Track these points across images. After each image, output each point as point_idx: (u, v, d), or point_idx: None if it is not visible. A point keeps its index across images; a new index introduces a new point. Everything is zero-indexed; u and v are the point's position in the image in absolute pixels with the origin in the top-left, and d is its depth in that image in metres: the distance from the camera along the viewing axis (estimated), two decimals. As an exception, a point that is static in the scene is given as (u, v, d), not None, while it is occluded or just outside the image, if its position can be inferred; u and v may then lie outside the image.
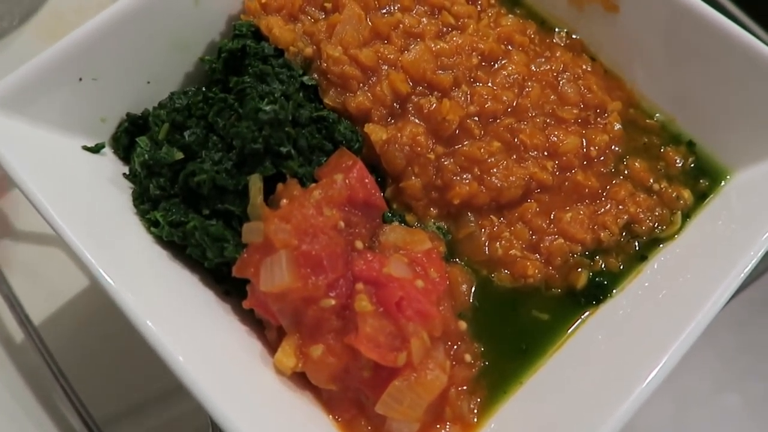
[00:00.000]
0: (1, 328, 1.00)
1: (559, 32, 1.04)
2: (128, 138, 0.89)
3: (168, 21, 0.90)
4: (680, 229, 0.91)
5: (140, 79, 0.90)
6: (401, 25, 0.93)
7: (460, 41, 0.93)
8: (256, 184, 0.78)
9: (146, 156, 0.82)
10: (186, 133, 0.82)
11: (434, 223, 0.89)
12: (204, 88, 0.89)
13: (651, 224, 0.91)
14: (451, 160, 0.88)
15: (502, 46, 0.97)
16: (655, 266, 0.88)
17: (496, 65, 0.95)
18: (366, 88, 0.89)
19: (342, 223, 0.77)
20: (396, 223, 0.85)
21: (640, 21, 0.99)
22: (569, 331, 0.84)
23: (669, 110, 1.00)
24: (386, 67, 0.89)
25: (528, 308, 0.85)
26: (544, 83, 0.96)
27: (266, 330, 0.80)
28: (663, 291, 0.84)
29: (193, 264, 0.82)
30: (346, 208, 0.79)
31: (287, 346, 0.75)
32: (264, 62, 0.87)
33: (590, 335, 0.84)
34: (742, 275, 0.77)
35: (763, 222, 0.81)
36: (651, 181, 0.94)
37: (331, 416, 0.77)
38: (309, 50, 0.90)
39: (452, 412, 0.77)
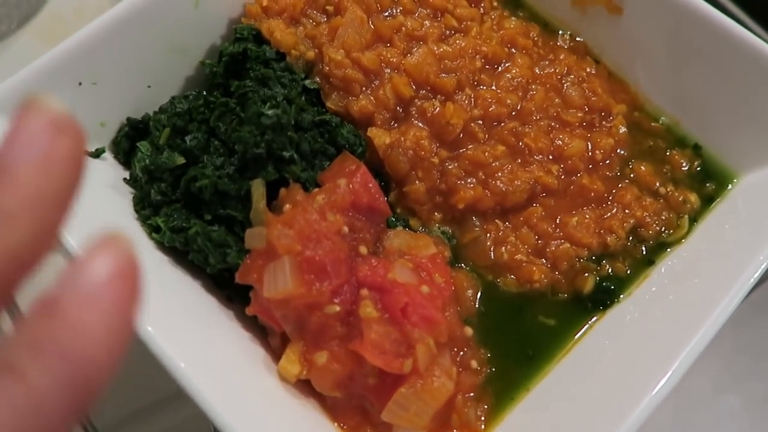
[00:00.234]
0: (-1, 336, 0.99)
1: (562, 35, 1.04)
2: (128, 143, 0.88)
3: (168, 24, 0.89)
4: (687, 233, 0.90)
5: (140, 83, 0.89)
6: (403, 29, 0.92)
7: (463, 44, 0.92)
8: (258, 189, 0.77)
9: (147, 161, 0.81)
10: (187, 138, 0.81)
11: (439, 228, 0.88)
12: (205, 93, 0.88)
13: (658, 228, 0.90)
14: (456, 164, 0.87)
15: (506, 49, 0.96)
16: (663, 270, 0.87)
17: (500, 68, 0.94)
18: (369, 91, 0.88)
19: (346, 228, 0.76)
20: (400, 228, 0.84)
21: (644, 23, 0.98)
22: (576, 336, 0.83)
23: (674, 113, 0.99)
24: (389, 71, 0.88)
25: (534, 313, 0.84)
26: (548, 86, 0.95)
27: (269, 336, 0.78)
28: (671, 296, 0.83)
29: (195, 270, 0.81)
30: (350, 213, 0.78)
31: (291, 353, 0.74)
32: (265, 66, 0.86)
33: (597, 341, 0.83)
34: (752, 280, 0.76)
35: (771, 225, 0.81)
36: (657, 184, 0.93)
37: (336, 423, 0.76)
38: (311, 54, 0.89)
39: (459, 419, 0.76)
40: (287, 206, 0.76)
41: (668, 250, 0.89)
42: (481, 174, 0.87)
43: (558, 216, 0.89)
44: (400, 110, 0.88)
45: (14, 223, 0.31)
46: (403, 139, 0.86)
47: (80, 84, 0.83)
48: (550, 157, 0.90)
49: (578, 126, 0.93)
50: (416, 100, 0.88)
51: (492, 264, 0.86)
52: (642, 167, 0.94)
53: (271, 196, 0.78)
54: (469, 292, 0.84)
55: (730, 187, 0.93)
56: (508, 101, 0.90)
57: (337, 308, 0.72)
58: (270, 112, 0.76)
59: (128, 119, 0.88)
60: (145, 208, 0.82)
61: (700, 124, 0.97)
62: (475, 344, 0.80)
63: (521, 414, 0.78)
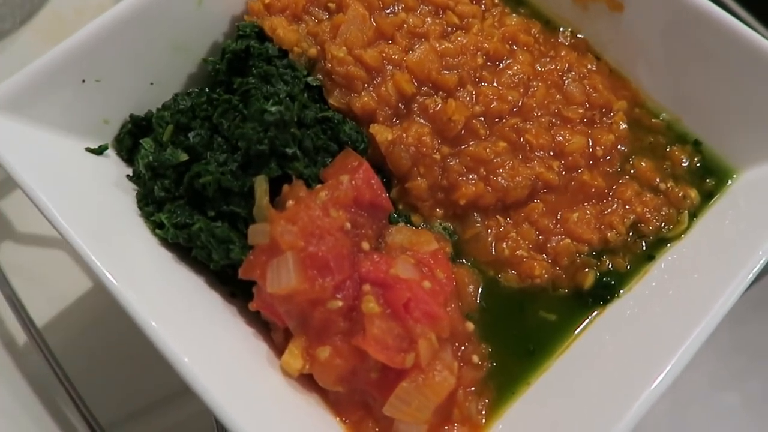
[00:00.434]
0: (4, 332, 1.00)
1: (563, 32, 1.04)
2: (131, 140, 0.88)
3: (170, 22, 0.89)
4: (687, 228, 0.90)
5: (143, 81, 0.90)
6: (405, 25, 0.92)
7: (464, 41, 0.93)
8: (261, 185, 0.77)
9: (151, 157, 0.81)
10: (190, 135, 0.81)
11: (440, 224, 0.88)
12: (207, 90, 0.89)
13: (658, 224, 0.90)
14: (457, 160, 0.88)
15: (507, 46, 0.96)
16: (663, 266, 0.88)
17: (501, 65, 0.95)
18: (371, 88, 0.88)
19: (348, 225, 0.77)
20: (402, 224, 0.85)
21: (645, 20, 0.98)
22: (577, 331, 0.84)
23: (674, 110, 0.99)
24: (391, 68, 0.89)
25: (535, 309, 0.85)
26: (549, 83, 0.95)
27: (272, 332, 0.79)
28: (671, 291, 0.84)
29: (199, 266, 0.81)
30: (353, 209, 0.79)
31: (294, 348, 0.74)
32: (268, 63, 0.87)
33: (598, 336, 0.83)
34: (751, 275, 0.77)
35: (770, 221, 0.81)
36: (657, 180, 0.93)
37: (338, 418, 0.76)
38: (313, 51, 0.89)
39: (460, 413, 0.76)
40: (290, 202, 0.77)
41: (668, 245, 0.90)
42: (482, 170, 0.87)
43: (559, 212, 0.89)
44: (402, 107, 0.88)
45: None
46: (405, 135, 0.86)
47: (84, 81, 0.83)
48: (551, 153, 0.91)
49: (579, 122, 0.94)
50: (418, 97, 0.88)
51: (493, 260, 0.87)
52: (642, 163, 0.95)
53: (274, 193, 0.79)
54: (471, 288, 0.85)
55: (729, 183, 0.93)
56: (510, 98, 0.91)
57: (340, 303, 0.73)
58: (273, 109, 0.77)
59: (131, 116, 0.89)
60: (148, 204, 0.82)
61: (701, 120, 0.97)
62: (476, 339, 0.81)
63: (522, 408, 0.78)
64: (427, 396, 0.72)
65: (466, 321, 0.81)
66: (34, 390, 0.96)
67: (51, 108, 0.82)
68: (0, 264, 0.98)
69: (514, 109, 0.92)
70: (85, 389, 0.92)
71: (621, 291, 0.86)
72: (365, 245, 0.78)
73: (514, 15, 1.02)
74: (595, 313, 0.85)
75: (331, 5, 0.93)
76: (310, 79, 0.88)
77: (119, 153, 0.89)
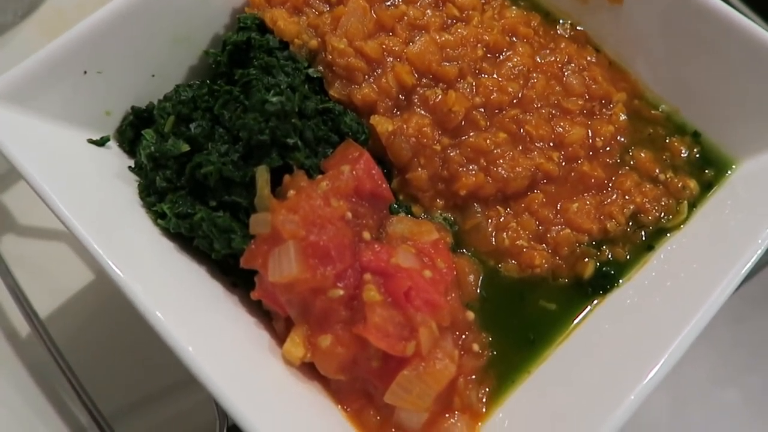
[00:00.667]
0: (7, 323, 1.00)
1: (563, 24, 1.04)
2: (133, 131, 0.89)
3: (172, 14, 0.89)
4: (686, 218, 0.91)
5: (145, 73, 0.90)
6: (406, 18, 0.93)
7: (464, 33, 0.93)
8: (263, 175, 0.77)
9: (152, 148, 0.81)
10: (192, 126, 0.82)
11: (441, 215, 0.89)
12: (209, 82, 0.89)
13: (657, 214, 0.91)
14: (457, 151, 0.88)
15: (507, 38, 0.97)
16: (662, 256, 0.88)
17: (501, 57, 0.95)
18: (371, 80, 0.89)
19: (349, 214, 0.77)
20: (403, 214, 0.85)
21: (644, 12, 0.99)
22: (576, 320, 0.85)
23: (673, 101, 1.00)
24: (391, 59, 0.89)
25: (535, 298, 0.86)
26: (549, 74, 0.96)
27: (274, 321, 0.79)
28: (670, 280, 0.84)
29: (201, 256, 0.82)
30: (353, 199, 0.79)
31: (296, 337, 0.75)
32: (269, 55, 0.87)
33: (597, 325, 0.84)
34: (749, 264, 0.77)
35: (769, 211, 0.82)
36: (657, 171, 0.94)
37: (339, 406, 0.77)
38: (314, 42, 0.90)
39: (461, 401, 0.77)
40: (291, 192, 0.77)
41: (668, 235, 0.90)
42: (482, 161, 0.88)
43: (559, 202, 0.90)
44: (403, 98, 0.89)
45: None
46: (405, 126, 0.87)
47: (85, 73, 0.84)
48: (551, 144, 0.91)
49: (579, 114, 0.94)
50: (418, 89, 0.89)
51: (493, 250, 0.87)
52: (642, 154, 0.95)
53: (276, 183, 0.79)
54: (471, 277, 0.85)
55: (728, 173, 0.94)
56: (510, 89, 0.91)
57: (341, 292, 0.73)
58: (274, 99, 0.77)
59: (133, 108, 0.89)
60: (150, 195, 0.83)
61: (700, 111, 0.98)
62: (476, 328, 0.81)
63: (522, 396, 0.79)
64: (428, 384, 0.72)
65: (467, 310, 0.81)
66: (37, 381, 0.96)
67: (53, 99, 0.82)
68: (3, 256, 0.98)
69: (514, 101, 0.92)
70: (87, 380, 0.92)
71: (620, 280, 0.87)
72: (366, 235, 0.78)
73: (513, 7, 1.02)
74: (594, 302, 0.86)
75: (332, -3, 0.93)
76: (310, 70, 0.89)
77: (121, 144, 0.89)
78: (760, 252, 0.78)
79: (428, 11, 0.94)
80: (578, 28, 1.04)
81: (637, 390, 0.69)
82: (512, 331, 0.83)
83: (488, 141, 0.88)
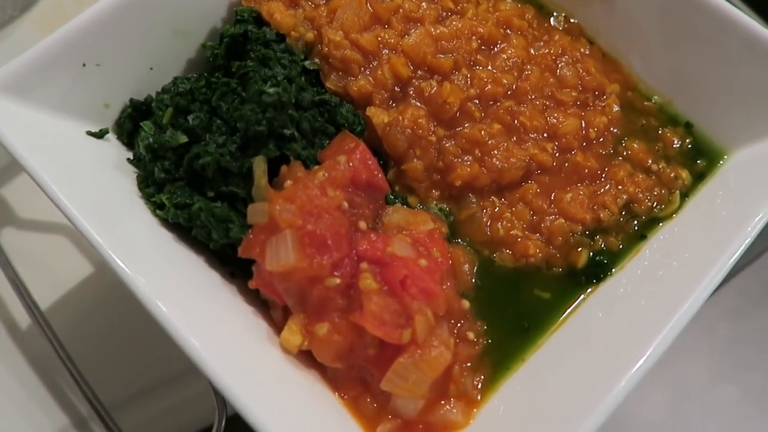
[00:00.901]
0: (8, 315, 1.01)
1: (557, 16, 1.05)
2: (131, 124, 0.90)
3: (170, 7, 0.90)
4: (679, 208, 0.92)
5: (143, 66, 0.91)
6: (401, 10, 0.93)
7: (459, 25, 0.94)
8: (260, 165, 0.78)
9: (151, 140, 0.82)
10: (190, 117, 0.83)
11: (436, 205, 0.90)
12: (206, 74, 0.90)
13: (650, 204, 0.92)
14: (453, 142, 0.89)
15: (501, 30, 0.98)
16: (654, 245, 0.89)
17: (496, 49, 0.96)
18: (367, 72, 0.90)
19: (346, 204, 0.78)
20: (398, 205, 0.86)
21: (637, 4, 1.00)
22: (570, 309, 0.86)
23: (666, 93, 1.01)
24: (387, 52, 0.90)
25: (530, 287, 0.87)
26: (543, 66, 0.97)
27: (271, 310, 0.81)
28: (662, 269, 0.86)
29: (199, 246, 0.83)
30: (350, 189, 0.80)
31: (293, 325, 0.76)
32: (266, 47, 0.88)
33: (591, 313, 0.85)
34: (739, 252, 0.79)
35: (758, 200, 0.83)
36: (649, 161, 0.95)
37: (336, 394, 0.78)
38: (310, 35, 0.91)
39: (456, 388, 0.78)
40: (288, 182, 0.78)
41: (660, 224, 0.91)
42: (477, 152, 0.89)
43: (552, 192, 0.91)
44: (398, 90, 0.90)
45: None
46: (401, 118, 0.88)
47: (84, 65, 0.84)
48: (545, 135, 0.92)
49: (572, 105, 0.95)
50: (414, 80, 0.90)
51: (488, 239, 0.88)
52: (635, 145, 0.96)
53: (273, 174, 0.80)
54: (466, 267, 0.86)
55: (720, 163, 0.95)
56: (504, 81, 0.92)
57: (338, 281, 0.74)
58: (271, 90, 0.78)
59: (131, 101, 0.90)
60: (149, 186, 0.83)
61: (692, 103, 0.99)
62: (472, 317, 0.83)
63: (517, 383, 0.80)
64: (424, 371, 0.74)
65: (462, 299, 0.82)
66: (38, 372, 0.97)
67: (52, 92, 0.83)
68: (3, 249, 0.99)
69: (509, 92, 0.93)
70: (87, 371, 0.93)
71: (614, 270, 0.88)
72: (362, 224, 0.79)
73: (507, 0, 1.03)
74: (588, 291, 0.87)
75: (328, -10, 0.94)
76: (307, 63, 0.90)
77: (119, 137, 0.90)
78: (749, 240, 0.79)
79: (423, 4, 0.95)
80: (572, 20, 1.05)
81: (628, 376, 0.70)
82: (507, 320, 0.84)
83: (483, 132, 0.89)
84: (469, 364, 0.80)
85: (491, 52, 0.96)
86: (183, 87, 0.85)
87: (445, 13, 0.96)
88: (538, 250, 0.87)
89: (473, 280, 0.86)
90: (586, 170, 0.92)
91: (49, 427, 0.94)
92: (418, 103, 0.89)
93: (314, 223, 0.74)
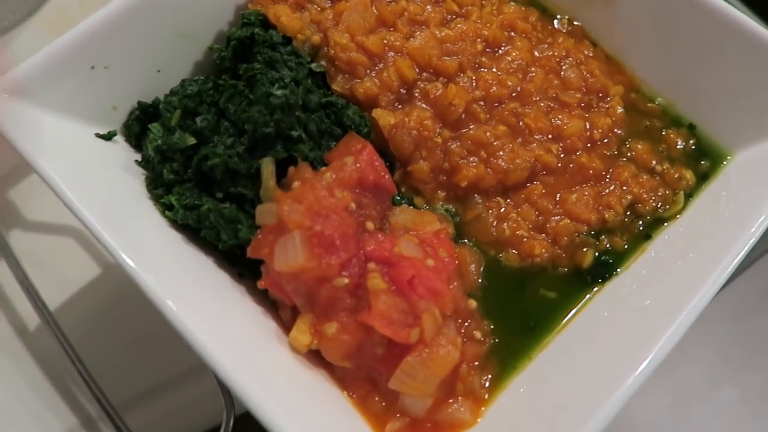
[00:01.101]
0: (18, 315, 1.02)
1: (560, 19, 1.06)
2: (139, 126, 0.90)
3: (177, 11, 0.91)
4: (683, 208, 0.93)
5: (151, 68, 0.92)
6: (406, 13, 0.94)
7: (464, 28, 0.95)
8: (268, 167, 0.79)
9: (160, 141, 0.83)
10: (198, 119, 0.83)
11: (442, 206, 0.90)
12: (213, 77, 0.90)
13: (654, 204, 0.93)
14: (458, 143, 0.90)
15: (506, 33, 0.99)
16: (659, 245, 0.90)
17: (500, 51, 0.97)
18: (373, 74, 0.90)
19: (353, 205, 0.79)
20: (405, 206, 0.87)
21: (640, 7, 1.01)
22: (576, 308, 0.86)
23: (669, 94, 1.02)
24: (392, 54, 0.91)
25: (536, 287, 0.87)
26: (547, 68, 0.98)
27: (280, 310, 0.81)
28: (666, 269, 0.86)
29: (207, 247, 0.83)
30: (357, 190, 0.81)
31: (302, 324, 0.76)
32: (273, 50, 0.89)
33: (596, 312, 0.85)
34: (743, 253, 0.79)
35: (761, 200, 0.84)
36: (653, 162, 0.96)
37: (345, 393, 0.78)
38: (316, 38, 0.91)
39: (464, 387, 0.78)
40: (296, 183, 0.79)
41: (664, 225, 0.92)
42: (483, 153, 0.89)
43: (558, 193, 0.91)
44: (404, 92, 0.90)
45: None
46: (407, 119, 0.88)
47: (93, 68, 0.85)
48: (550, 136, 0.93)
49: (577, 107, 0.96)
50: (419, 82, 0.91)
51: (494, 240, 0.89)
52: (639, 146, 0.97)
53: (280, 175, 0.81)
54: (473, 267, 0.87)
55: (724, 163, 0.96)
56: (509, 83, 0.93)
57: (346, 281, 0.75)
58: (279, 92, 0.79)
59: (139, 103, 0.91)
60: (157, 187, 0.84)
61: (695, 104, 1.00)
62: (479, 316, 0.83)
63: (524, 382, 0.80)
64: (432, 370, 0.74)
65: (469, 299, 0.83)
66: (47, 372, 0.98)
67: (61, 94, 0.83)
68: (13, 251, 1.00)
69: (513, 94, 0.94)
70: (96, 371, 0.94)
71: (619, 269, 0.89)
72: (370, 225, 0.80)
73: (512, 3, 1.04)
74: (594, 290, 0.88)
75: (333, -7, 0.95)
76: (313, 65, 0.90)
77: (127, 139, 0.91)
78: (753, 241, 0.80)
79: (428, 7, 0.96)
80: (575, 23, 1.06)
81: (634, 376, 0.71)
82: (513, 319, 0.85)
83: (488, 133, 0.90)
84: (476, 363, 0.81)
85: (496, 54, 0.96)
86: (191, 89, 0.85)
87: (449, 16, 0.97)
88: (543, 250, 0.88)
89: (480, 280, 0.87)
90: (591, 171, 0.93)
91: (58, 428, 0.95)
92: (423, 105, 0.90)
93: (322, 223, 0.75)
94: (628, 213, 0.92)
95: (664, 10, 0.98)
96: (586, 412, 0.70)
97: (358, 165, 0.81)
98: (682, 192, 0.94)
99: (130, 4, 0.86)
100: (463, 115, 0.90)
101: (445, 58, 0.92)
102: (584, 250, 0.89)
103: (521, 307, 0.86)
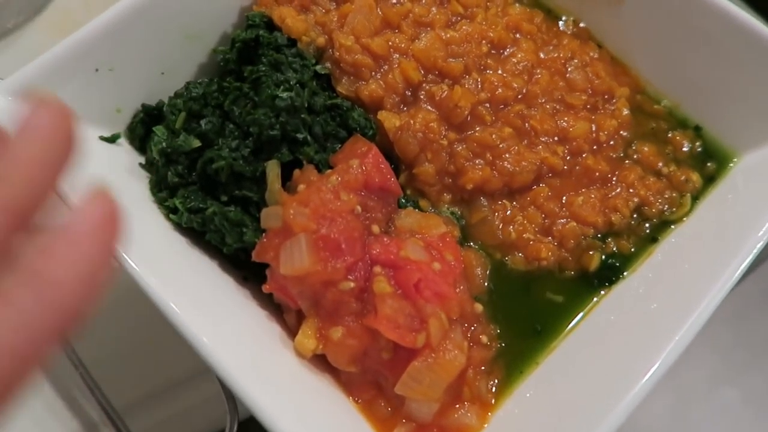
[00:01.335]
0: (19, 319, 1.01)
1: (565, 20, 1.06)
2: (143, 128, 0.90)
3: (181, 13, 0.90)
4: (690, 211, 0.92)
5: (155, 70, 0.91)
6: (411, 15, 0.94)
7: (469, 30, 0.94)
8: (273, 169, 0.79)
9: (164, 144, 0.83)
10: (202, 122, 0.83)
11: (448, 209, 0.90)
12: (217, 79, 0.90)
13: (661, 207, 0.92)
14: (464, 145, 0.89)
15: (511, 35, 0.98)
16: (666, 248, 0.90)
17: (505, 53, 0.97)
18: (378, 76, 0.90)
19: (359, 208, 0.78)
20: (411, 208, 0.86)
21: (645, 7, 1.00)
22: (583, 312, 0.86)
23: (675, 96, 1.01)
24: (397, 56, 0.91)
25: (542, 290, 0.87)
26: (552, 70, 0.97)
27: (285, 314, 0.81)
28: (674, 272, 0.86)
29: (212, 250, 0.83)
30: (363, 193, 0.80)
31: (307, 329, 0.76)
32: (277, 52, 0.88)
33: (604, 316, 0.85)
34: (751, 256, 0.79)
35: (769, 203, 0.83)
36: (660, 164, 0.95)
37: (350, 398, 0.78)
38: (321, 40, 0.91)
39: (471, 392, 0.78)
40: (302, 186, 0.78)
41: (671, 227, 0.91)
42: (488, 155, 0.89)
43: (564, 195, 0.91)
44: (409, 94, 0.90)
45: (10, 182, 0.39)
46: (412, 122, 0.88)
47: (97, 70, 0.85)
48: (556, 138, 0.92)
49: (582, 108, 0.96)
50: (425, 84, 0.90)
51: (500, 243, 0.89)
52: (645, 148, 0.96)
53: (285, 178, 0.80)
54: (479, 270, 0.86)
55: (731, 165, 0.95)
56: (514, 85, 0.92)
57: (352, 285, 0.74)
58: (284, 95, 0.78)
59: (143, 106, 0.90)
60: (161, 190, 0.84)
61: (701, 106, 0.99)
62: (485, 320, 0.83)
63: (531, 386, 0.80)
64: (439, 374, 0.74)
65: (475, 302, 0.82)
66: (49, 375, 0.97)
67: (65, 96, 0.80)
68: (14, 253, 0.99)
69: (519, 96, 0.93)
70: (99, 375, 0.93)
71: (626, 272, 0.88)
72: (375, 228, 0.80)
73: (516, 4, 1.04)
74: (601, 294, 0.87)
75: (338, -5, 0.94)
76: (318, 67, 0.90)
77: (131, 142, 0.90)
78: (761, 244, 0.80)
79: (433, 9, 0.96)
80: (580, 24, 1.06)
81: (642, 382, 0.70)
82: (520, 323, 0.84)
83: (494, 136, 0.89)
84: (483, 368, 0.80)
85: (501, 56, 0.96)
86: (195, 92, 0.85)
87: (454, 18, 0.97)
88: (550, 253, 0.88)
89: (486, 284, 0.86)
90: (597, 173, 0.92)
91: (61, 432, 0.94)
92: (429, 107, 0.90)
93: (328, 227, 0.74)
94: (635, 216, 0.92)
95: (670, 11, 0.98)
96: (594, 419, 0.69)
97: (363, 167, 0.80)
98: (688, 194, 0.93)
99: (135, 6, 0.85)
100: (469, 117, 0.90)
101: (451, 59, 0.91)
102: (591, 253, 0.88)
103: (528, 310, 0.85)
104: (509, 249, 0.88)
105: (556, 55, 0.99)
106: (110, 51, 0.84)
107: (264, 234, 0.77)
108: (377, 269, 0.76)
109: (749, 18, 0.91)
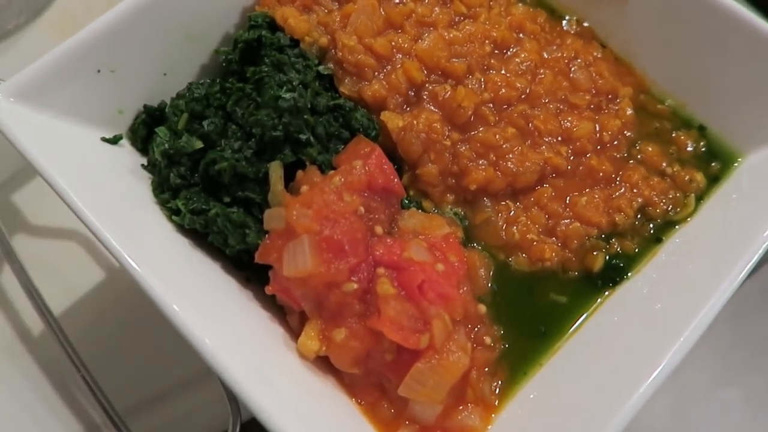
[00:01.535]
0: (22, 320, 1.01)
1: (569, 20, 1.05)
2: (145, 129, 0.90)
3: (183, 14, 0.90)
4: (694, 211, 0.92)
5: (157, 71, 0.91)
6: (414, 15, 0.94)
7: (472, 30, 0.94)
8: (276, 171, 0.78)
9: (166, 145, 0.82)
10: (205, 123, 0.83)
11: (451, 209, 0.89)
12: (219, 80, 0.90)
13: (665, 207, 0.92)
14: (467, 146, 0.89)
15: (514, 34, 0.98)
16: (670, 248, 0.89)
17: (509, 53, 0.96)
18: (381, 76, 0.90)
19: (362, 209, 0.78)
20: (414, 209, 0.86)
21: (648, 7, 1.00)
22: (587, 313, 0.85)
23: (679, 95, 1.01)
24: (400, 56, 0.90)
25: (546, 291, 0.86)
26: (556, 70, 0.97)
27: (288, 315, 0.80)
28: (678, 273, 0.85)
29: (214, 252, 0.82)
30: (366, 194, 0.80)
31: (311, 330, 0.75)
32: (280, 52, 0.88)
33: (608, 317, 0.84)
34: (756, 256, 0.78)
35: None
36: (664, 164, 0.95)
37: (354, 400, 0.77)
38: (324, 40, 0.90)
39: (474, 393, 0.78)
40: (305, 188, 0.78)
41: (675, 228, 0.91)
42: (492, 156, 0.89)
43: (567, 196, 0.90)
44: (412, 94, 0.90)
45: None
46: (415, 122, 0.88)
47: (99, 71, 0.84)
48: (559, 138, 0.92)
49: (586, 108, 0.95)
50: (428, 85, 0.90)
51: (504, 243, 0.88)
52: (649, 148, 0.96)
53: (288, 179, 0.80)
54: (482, 271, 0.86)
55: (735, 165, 0.95)
56: (518, 85, 0.92)
57: (355, 286, 0.74)
58: (287, 96, 0.78)
59: (145, 107, 0.90)
60: (164, 192, 0.83)
61: (705, 105, 0.99)
62: (488, 321, 0.82)
63: (534, 388, 0.79)
64: (442, 376, 0.73)
65: (479, 303, 0.82)
66: (51, 377, 0.97)
67: (67, 98, 0.83)
68: (17, 255, 0.99)
69: (522, 96, 0.93)
70: (101, 376, 0.93)
71: (630, 273, 0.88)
72: (378, 229, 0.79)
73: (519, 4, 1.03)
74: (605, 294, 0.87)
75: (341, -5, 0.94)
76: (321, 67, 0.90)
77: (133, 143, 0.90)
78: (766, 245, 0.79)
79: (436, 8, 0.95)
80: (584, 24, 1.05)
81: (647, 383, 0.70)
82: (523, 324, 0.84)
83: (497, 136, 0.89)
84: (486, 369, 0.80)
85: (504, 56, 0.96)
86: (198, 92, 0.85)
87: (457, 18, 0.96)
88: (553, 254, 0.87)
89: (489, 285, 0.86)
90: (601, 174, 0.92)
91: (63, 434, 0.94)
92: (432, 108, 0.89)
93: (331, 228, 0.74)
94: (639, 216, 0.91)
95: (673, 11, 0.97)
96: (598, 421, 0.69)
97: (366, 168, 0.80)
98: (693, 194, 0.93)
99: (137, 7, 0.85)
100: (472, 118, 0.89)
101: (454, 60, 0.91)
102: (594, 253, 0.88)
103: (531, 311, 0.85)
104: (513, 250, 0.88)
105: (559, 54, 0.99)
106: (112, 52, 0.84)
107: (267, 235, 0.77)
108: (380, 270, 0.75)
109: (754, 18, 0.90)
